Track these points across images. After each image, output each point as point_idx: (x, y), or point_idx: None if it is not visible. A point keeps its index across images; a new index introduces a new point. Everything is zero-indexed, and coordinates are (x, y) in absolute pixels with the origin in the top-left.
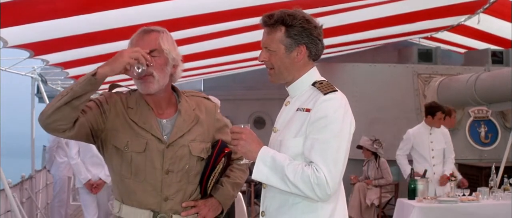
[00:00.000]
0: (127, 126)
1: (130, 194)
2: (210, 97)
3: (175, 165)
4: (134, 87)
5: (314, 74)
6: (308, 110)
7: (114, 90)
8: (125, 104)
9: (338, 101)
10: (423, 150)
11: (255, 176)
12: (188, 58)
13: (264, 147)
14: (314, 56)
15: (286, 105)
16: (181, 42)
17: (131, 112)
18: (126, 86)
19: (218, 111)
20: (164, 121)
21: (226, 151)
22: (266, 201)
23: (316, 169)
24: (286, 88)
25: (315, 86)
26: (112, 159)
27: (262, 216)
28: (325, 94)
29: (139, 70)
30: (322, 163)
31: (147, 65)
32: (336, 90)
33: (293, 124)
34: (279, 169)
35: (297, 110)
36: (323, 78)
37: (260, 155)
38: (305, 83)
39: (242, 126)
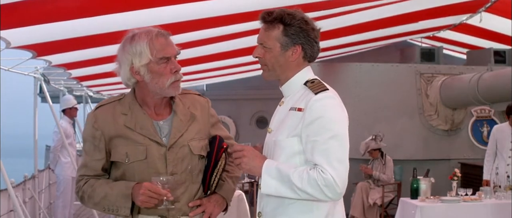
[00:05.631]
0: (123, 137)
1: None
2: None
3: (178, 167)
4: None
5: (306, 73)
6: (300, 109)
7: (99, 105)
8: (117, 112)
9: (330, 100)
10: (502, 147)
11: (264, 190)
12: (191, 62)
13: (267, 160)
14: (309, 57)
15: (280, 105)
16: (184, 45)
17: (125, 118)
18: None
19: (210, 106)
20: (161, 122)
21: (224, 146)
22: (263, 202)
23: (321, 170)
24: (280, 88)
25: (306, 85)
26: (115, 174)
27: (259, 217)
28: (316, 93)
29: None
30: (327, 164)
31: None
32: (327, 89)
33: (286, 124)
34: (285, 179)
35: (290, 109)
36: (315, 77)
37: (265, 168)
38: (297, 82)
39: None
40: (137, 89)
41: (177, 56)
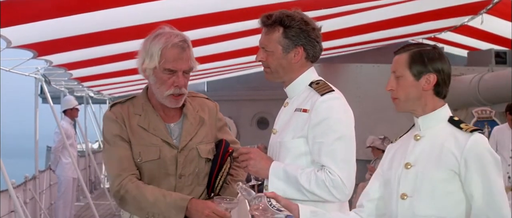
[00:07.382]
0: (137, 136)
1: None
2: None
3: (186, 169)
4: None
5: (311, 74)
6: (305, 110)
7: (113, 104)
8: (131, 112)
9: (336, 101)
10: (503, 149)
11: None
12: None
13: (274, 162)
14: (312, 58)
15: (284, 106)
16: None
17: (139, 119)
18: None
19: (218, 110)
20: (172, 125)
21: (230, 150)
22: None
23: (329, 172)
24: (284, 89)
25: (311, 86)
26: None
27: None
28: (322, 95)
29: None
30: (334, 165)
31: None
32: (333, 90)
33: (292, 125)
34: (293, 180)
35: (295, 110)
36: (320, 78)
37: (272, 170)
38: (302, 84)
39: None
40: (149, 88)
41: (190, 71)
